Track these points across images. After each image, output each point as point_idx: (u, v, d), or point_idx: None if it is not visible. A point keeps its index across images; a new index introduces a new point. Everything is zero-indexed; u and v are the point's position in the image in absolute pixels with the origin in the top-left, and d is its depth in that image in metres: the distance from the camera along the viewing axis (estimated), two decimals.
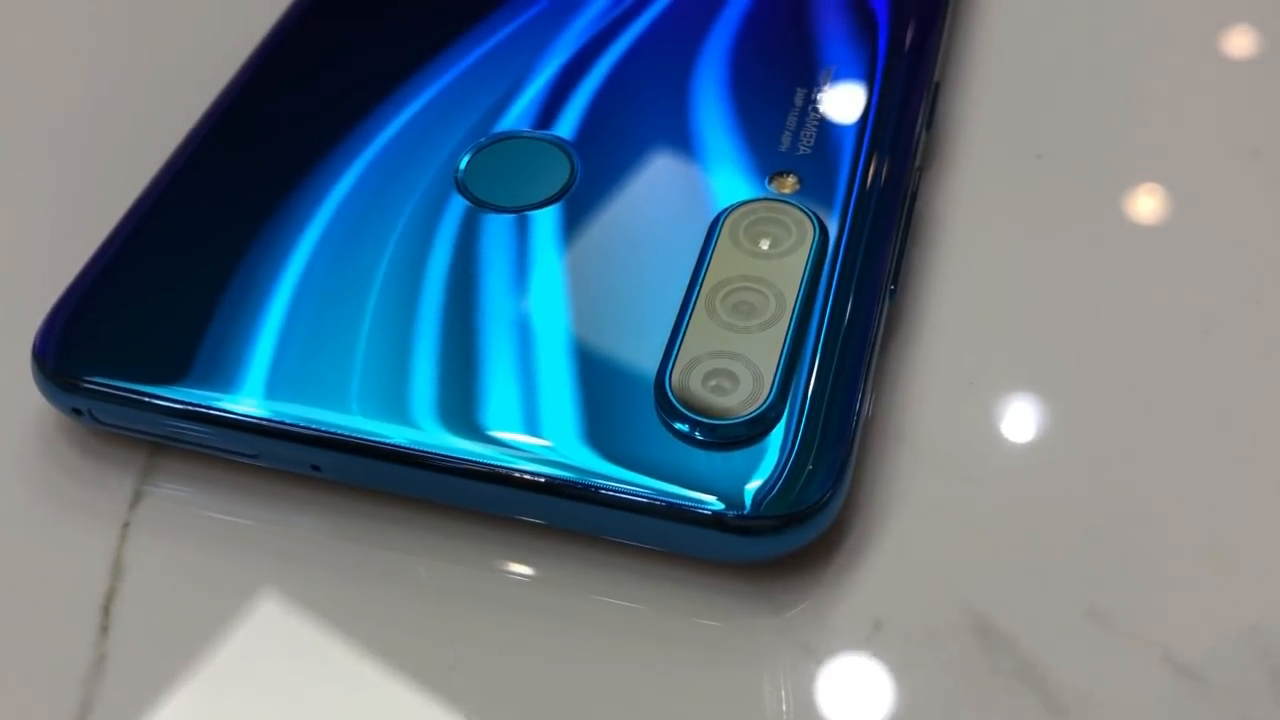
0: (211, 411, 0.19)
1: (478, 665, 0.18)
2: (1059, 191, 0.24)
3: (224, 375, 0.19)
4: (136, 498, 0.20)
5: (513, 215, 0.21)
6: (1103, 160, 0.24)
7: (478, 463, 0.18)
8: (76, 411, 0.20)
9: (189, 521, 0.20)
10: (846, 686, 0.18)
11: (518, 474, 0.18)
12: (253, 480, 0.20)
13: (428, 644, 0.18)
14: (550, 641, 0.18)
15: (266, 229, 0.21)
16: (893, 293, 0.21)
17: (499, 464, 0.18)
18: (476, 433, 0.19)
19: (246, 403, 0.19)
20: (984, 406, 0.21)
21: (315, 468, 0.19)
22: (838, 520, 0.18)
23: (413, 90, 0.24)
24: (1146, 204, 0.24)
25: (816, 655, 0.18)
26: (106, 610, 0.19)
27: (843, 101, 0.23)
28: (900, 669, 0.18)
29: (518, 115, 0.23)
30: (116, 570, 0.19)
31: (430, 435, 0.19)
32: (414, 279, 0.21)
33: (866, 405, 0.19)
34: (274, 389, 0.19)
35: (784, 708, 0.17)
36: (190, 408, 0.19)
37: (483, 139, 0.23)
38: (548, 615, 0.19)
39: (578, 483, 0.18)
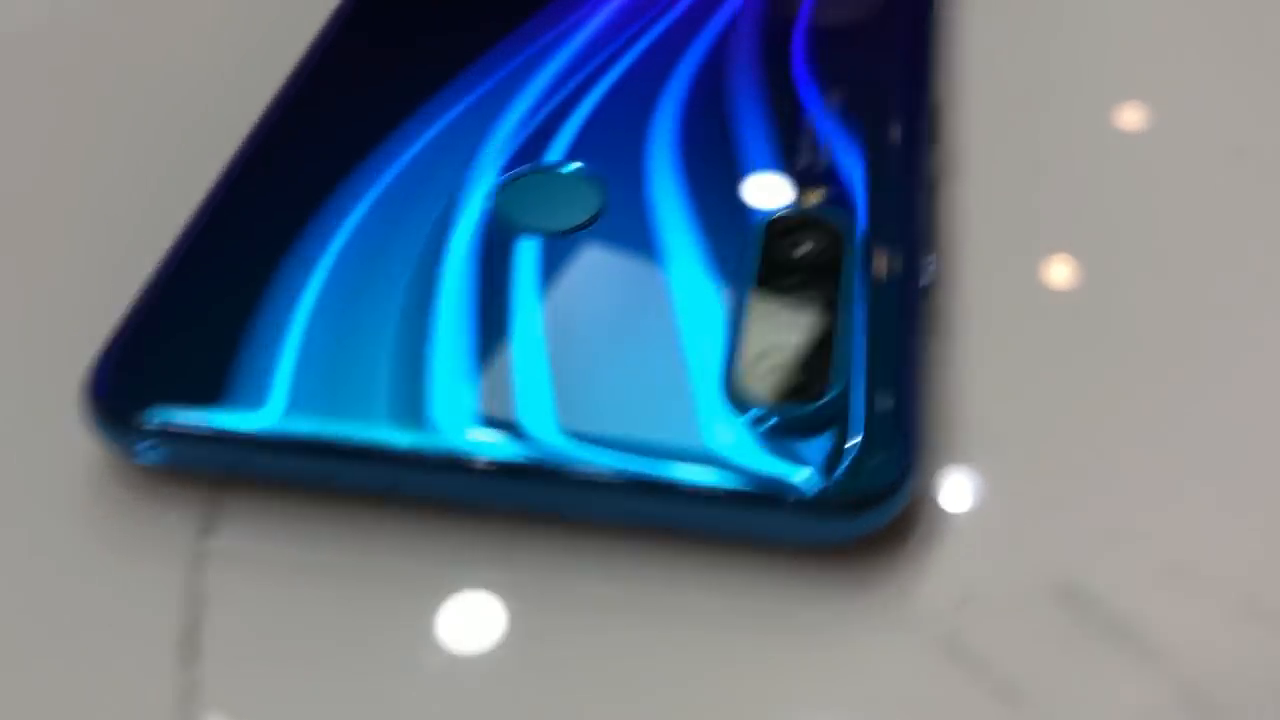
0: (321, 441, 0.19)
1: (598, 674, 0.18)
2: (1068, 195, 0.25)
3: (304, 399, 0.20)
4: (204, 533, 0.20)
5: (557, 238, 0.22)
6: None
7: (586, 469, 0.19)
8: (139, 450, 0.20)
9: (263, 551, 0.20)
10: (949, 660, 0.18)
11: (611, 477, 0.18)
12: (318, 504, 0.20)
13: (530, 651, 0.18)
14: (650, 638, 0.18)
15: (322, 250, 0.22)
16: (925, 289, 0.22)
17: (596, 468, 0.19)
18: (572, 441, 0.19)
19: (342, 427, 0.19)
20: (1030, 383, 0.21)
21: (394, 487, 0.19)
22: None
23: (436, 116, 0.24)
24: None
25: (914, 632, 0.18)
26: (193, 642, 0.19)
27: (855, 118, 0.24)
28: (996, 639, 0.18)
29: (541, 144, 0.24)
30: (196, 601, 0.19)
31: (530, 445, 0.19)
32: (472, 297, 0.21)
33: (922, 388, 0.20)
34: (353, 410, 0.19)
35: (899, 685, 0.18)
36: (280, 437, 0.19)
37: (513, 171, 0.23)
38: (641, 614, 0.19)
39: (672, 481, 0.18)
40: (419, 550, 0.20)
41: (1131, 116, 0.27)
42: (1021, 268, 0.23)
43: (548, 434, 0.19)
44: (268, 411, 0.19)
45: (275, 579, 0.19)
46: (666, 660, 0.18)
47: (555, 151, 0.24)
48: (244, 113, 0.25)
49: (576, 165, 0.23)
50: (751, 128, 0.24)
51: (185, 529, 0.20)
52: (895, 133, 0.24)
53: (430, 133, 0.24)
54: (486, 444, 0.19)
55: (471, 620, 0.19)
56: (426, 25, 0.27)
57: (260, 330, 0.21)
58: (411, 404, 0.19)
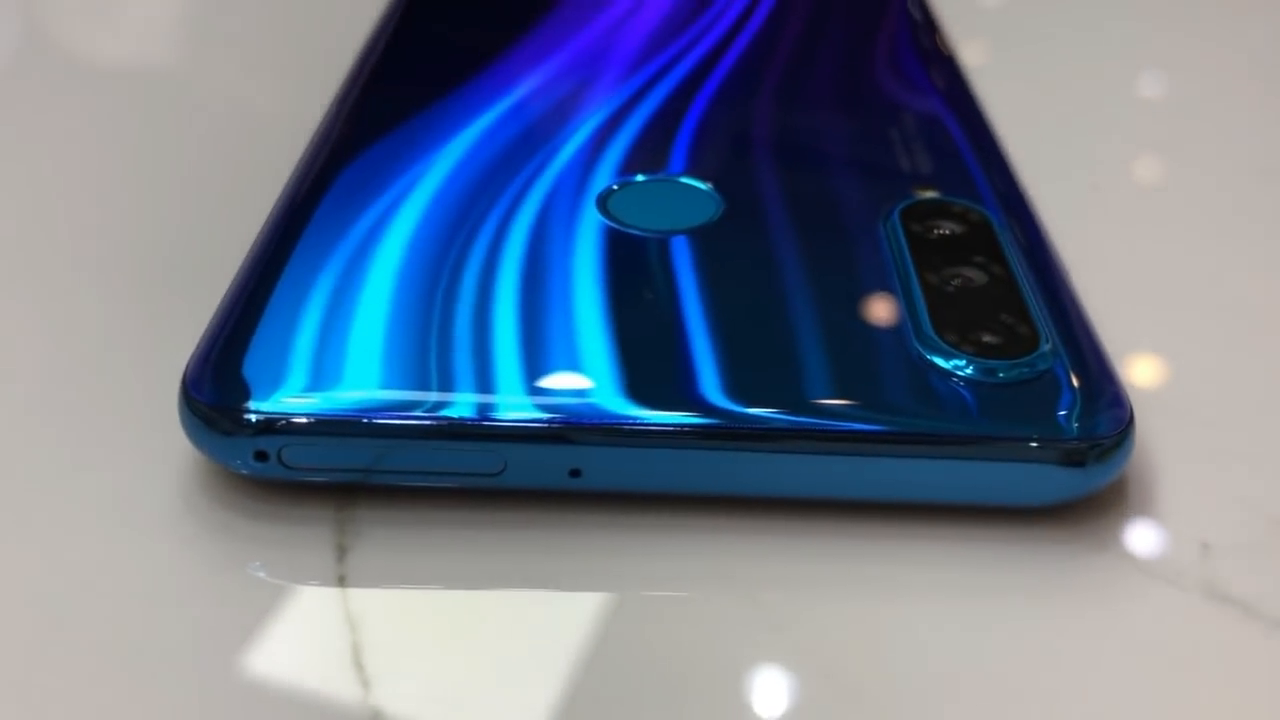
0: (474, 422, 0.17)
1: (835, 650, 0.16)
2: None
3: (445, 382, 0.17)
4: (341, 550, 0.17)
5: (694, 236, 0.20)
6: None
7: (808, 428, 0.17)
8: (262, 457, 0.17)
9: (403, 559, 0.17)
10: (1214, 606, 0.17)
11: (851, 435, 0.17)
12: (449, 507, 0.17)
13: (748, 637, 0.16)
14: (901, 611, 0.16)
15: (425, 232, 0.20)
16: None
17: (826, 427, 0.17)
18: (780, 403, 0.17)
19: (496, 407, 0.17)
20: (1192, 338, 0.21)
21: (575, 473, 0.17)
22: None
23: (528, 122, 0.23)
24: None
25: (1171, 584, 0.17)
26: (359, 665, 0.15)
27: (946, 126, 0.24)
28: (1251, 579, 0.17)
29: (652, 151, 0.23)
30: (351, 625, 0.16)
31: (731, 412, 0.17)
32: (619, 295, 0.19)
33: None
34: (514, 389, 0.17)
35: (1175, 637, 0.16)
36: (434, 422, 0.17)
37: (631, 179, 0.22)
38: (881, 588, 0.17)
39: (921, 432, 0.17)
40: (598, 547, 0.17)
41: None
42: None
43: (784, 403, 0.17)
44: (416, 394, 0.17)
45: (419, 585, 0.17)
46: (944, 635, 0.16)
47: (668, 157, 0.22)
48: (312, 112, 0.23)
49: (691, 173, 0.22)
50: (856, 123, 0.23)
51: (323, 550, 0.17)
52: (986, 127, 0.24)
53: (516, 131, 0.23)
54: (694, 412, 0.17)
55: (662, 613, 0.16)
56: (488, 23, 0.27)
57: (376, 313, 0.18)
58: (592, 375, 0.17)
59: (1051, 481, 0.17)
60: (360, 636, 0.16)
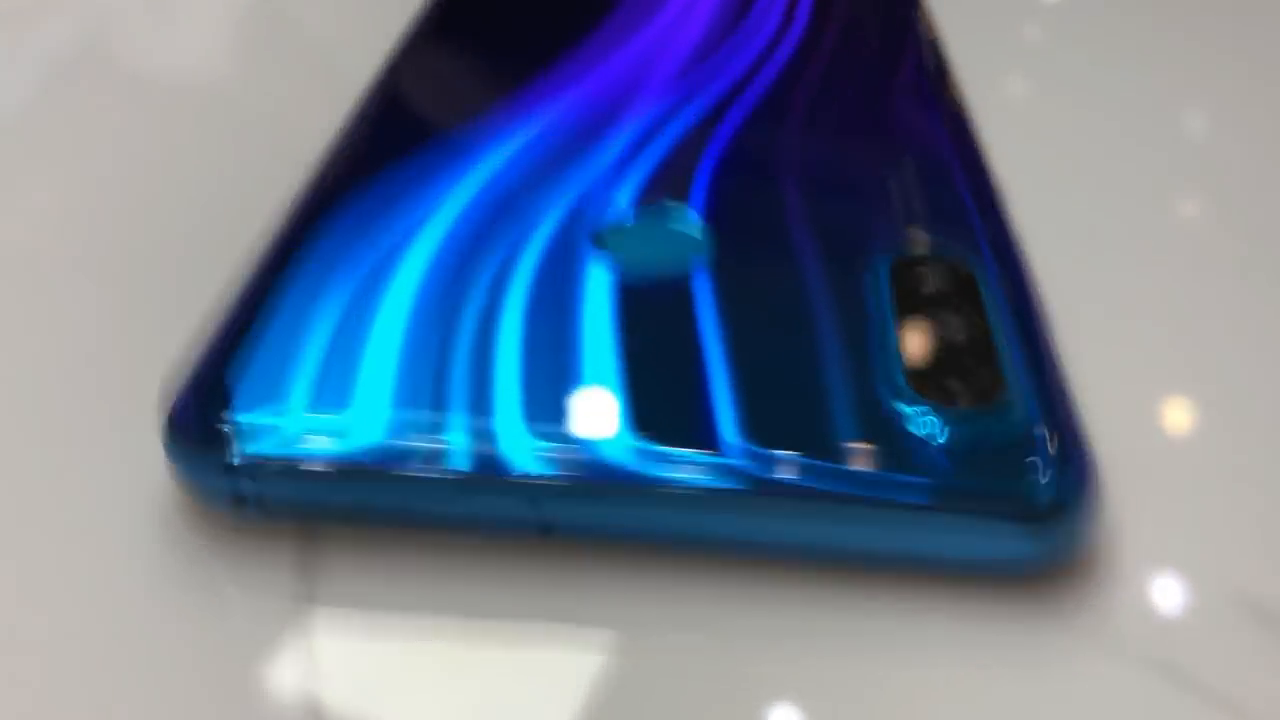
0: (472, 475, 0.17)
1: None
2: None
3: (436, 426, 0.18)
4: (309, 597, 0.17)
5: (677, 276, 0.21)
6: None
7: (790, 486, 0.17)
8: (240, 500, 0.17)
9: (370, 608, 0.17)
10: (1165, 683, 0.17)
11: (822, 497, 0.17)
12: (418, 550, 0.18)
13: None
14: (852, 671, 0.17)
15: (413, 265, 0.20)
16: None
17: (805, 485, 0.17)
18: (763, 458, 0.17)
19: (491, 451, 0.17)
20: (1167, 403, 0.21)
21: (546, 529, 0.17)
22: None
23: (528, 144, 0.23)
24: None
25: (1123, 657, 0.17)
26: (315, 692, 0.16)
27: (953, 179, 0.24)
28: (1206, 658, 0.17)
29: (658, 185, 0.23)
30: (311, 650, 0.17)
31: (715, 463, 0.17)
32: (611, 330, 0.19)
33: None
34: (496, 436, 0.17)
35: (1122, 713, 0.16)
36: (429, 472, 0.17)
37: (626, 209, 0.22)
38: (822, 642, 0.17)
39: (885, 497, 0.17)
40: (569, 591, 0.18)
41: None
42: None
43: (748, 457, 0.17)
44: (400, 439, 0.17)
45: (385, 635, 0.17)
46: (875, 692, 0.17)
47: (668, 191, 0.23)
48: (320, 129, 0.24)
49: (684, 209, 0.22)
50: (855, 183, 0.23)
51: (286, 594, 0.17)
52: (992, 183, 0.24)
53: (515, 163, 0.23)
54: (680, 461, 0.17)
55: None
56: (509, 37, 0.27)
57: (370, 349, 0.19)
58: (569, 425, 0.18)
59: (1002, 542, 0.17)
60: (321, 660, 0.16)
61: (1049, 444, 0.18)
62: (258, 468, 0.17)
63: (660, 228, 0.22)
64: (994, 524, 0.17)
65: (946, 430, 0.18)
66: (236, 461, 0.17)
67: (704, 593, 0.18)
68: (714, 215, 0.22)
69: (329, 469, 0.17)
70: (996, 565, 0.17)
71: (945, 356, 0.19)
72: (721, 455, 0.17)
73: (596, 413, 0.18)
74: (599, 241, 0.21)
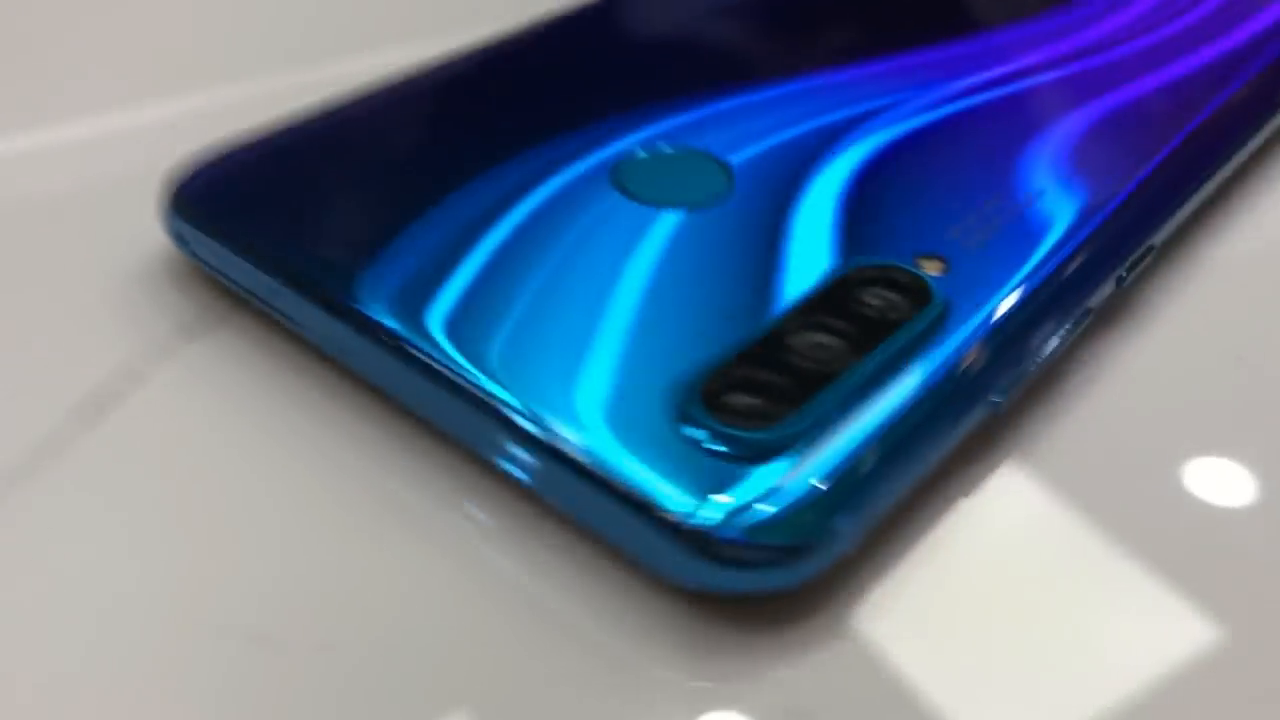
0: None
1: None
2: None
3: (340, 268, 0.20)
4: (190, 335, 0.21)
5: (656, 209, 0.21)
6: None
7: (486, 392, 0.18)
8: (181, 239, 0.21)
9: (229, 371, 0.20)
10: None
11: (501, 407, 0.17)
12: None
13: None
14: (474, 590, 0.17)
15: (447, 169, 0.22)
16: (995, 404, 0.19)
17: (499, 399, 0.18)
18: (505, 368, 0.18)
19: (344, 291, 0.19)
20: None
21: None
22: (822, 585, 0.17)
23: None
24: None
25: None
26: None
27: (1036, 222, 0.21)
28: None
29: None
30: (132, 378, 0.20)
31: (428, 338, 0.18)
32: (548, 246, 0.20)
33: (898, 489, 0.17)
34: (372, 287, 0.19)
35: None
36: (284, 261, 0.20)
37: (648, 145, 0.23)
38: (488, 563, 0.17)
39: (548, 440, 0.17)
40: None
41: None
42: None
43: (497, 364, 0.18)
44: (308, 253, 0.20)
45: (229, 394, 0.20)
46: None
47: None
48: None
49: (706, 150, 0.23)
50: (908, 180, 0.22)
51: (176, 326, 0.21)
52: (1070, 259, 0.21)
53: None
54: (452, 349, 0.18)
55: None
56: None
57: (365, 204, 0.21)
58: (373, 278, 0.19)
59: (668, 558, 0.16)
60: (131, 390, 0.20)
61: (766, 485, 0.16)
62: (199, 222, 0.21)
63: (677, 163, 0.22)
64: (636, 518, 0.16)
65: (691, 428, 0.17)
66: (194, 214, 0.21)
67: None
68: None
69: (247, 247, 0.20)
70: (655, 566, 0.17)
71: (775, 368, 0.18)
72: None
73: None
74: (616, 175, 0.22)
